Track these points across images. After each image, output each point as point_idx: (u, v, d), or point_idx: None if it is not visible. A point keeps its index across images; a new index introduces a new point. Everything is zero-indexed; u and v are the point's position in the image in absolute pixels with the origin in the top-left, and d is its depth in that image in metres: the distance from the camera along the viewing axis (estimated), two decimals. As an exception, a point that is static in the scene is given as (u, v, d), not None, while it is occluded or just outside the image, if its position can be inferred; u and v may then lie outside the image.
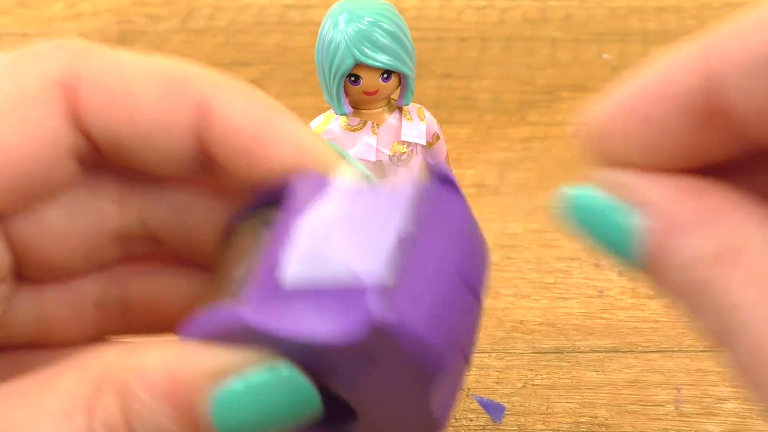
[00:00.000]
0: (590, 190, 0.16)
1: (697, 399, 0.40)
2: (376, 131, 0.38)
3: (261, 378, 0.17)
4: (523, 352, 0.43)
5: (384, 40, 0.36)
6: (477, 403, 0.39)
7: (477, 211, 0.20)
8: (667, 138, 0.16)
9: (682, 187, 0.16)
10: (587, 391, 0.40)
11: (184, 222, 0.20)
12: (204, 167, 0.18)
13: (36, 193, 0.16)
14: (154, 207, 0.19)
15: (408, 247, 0.17)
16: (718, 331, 0.15)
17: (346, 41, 0.35)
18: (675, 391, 0.40)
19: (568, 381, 0.41)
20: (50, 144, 0.15)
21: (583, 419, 0.39)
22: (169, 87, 0.16)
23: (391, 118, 0.38)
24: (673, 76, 0.16)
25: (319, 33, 0.37)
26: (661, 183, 0.16)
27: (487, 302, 0.49)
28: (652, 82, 0.16)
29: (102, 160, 0.17)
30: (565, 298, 0.46)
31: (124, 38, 0.79)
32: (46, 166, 0.16)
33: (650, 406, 0.39)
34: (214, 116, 0.16)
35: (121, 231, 0.20)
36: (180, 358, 0.16)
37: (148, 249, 0.21)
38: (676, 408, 0.39)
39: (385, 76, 0.37)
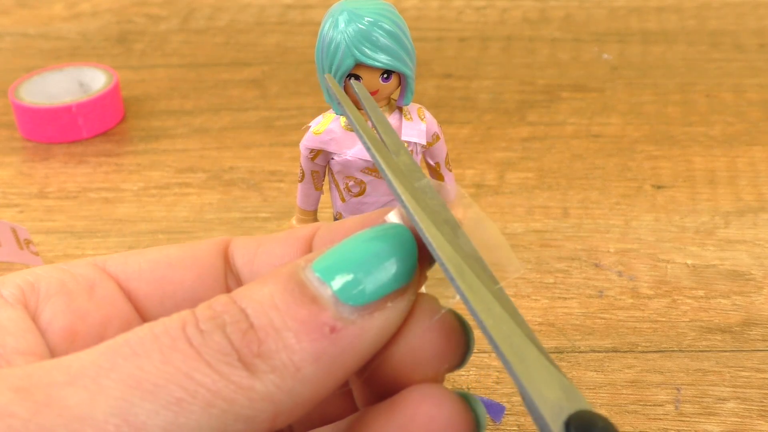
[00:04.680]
0: None
1: (697, 399, 0.40)
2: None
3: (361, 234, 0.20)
4: (523, 352, 0.42)
5: (384, 40, 0.36)
6: (477, 403, 0.40)
7: (477, 211, 0.20)
8: None
9: None
10: (587, 391, 0.40)
11: None
12: None
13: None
14: None
15: None
16: None
17: (346, 41, 0.35)
18: (675, 391, 0.40)
19: (568, 381, 0.41)
20: (214, 269, 0.24)
21: (583, 419, 0.39)
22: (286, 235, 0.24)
23: (391, 118, 0.38)
24: None
25: (319, 33, 0.37)
26: None
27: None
28: None
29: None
30: (565, 298, 0.46)
31: (124, 38, 0.79)
32: (210, 281, 0.24)
33: (650, 406, 0.39)
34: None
35: None
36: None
37: None
38: (676, 408, 0.39)
39: (385, 76, 0.37)
